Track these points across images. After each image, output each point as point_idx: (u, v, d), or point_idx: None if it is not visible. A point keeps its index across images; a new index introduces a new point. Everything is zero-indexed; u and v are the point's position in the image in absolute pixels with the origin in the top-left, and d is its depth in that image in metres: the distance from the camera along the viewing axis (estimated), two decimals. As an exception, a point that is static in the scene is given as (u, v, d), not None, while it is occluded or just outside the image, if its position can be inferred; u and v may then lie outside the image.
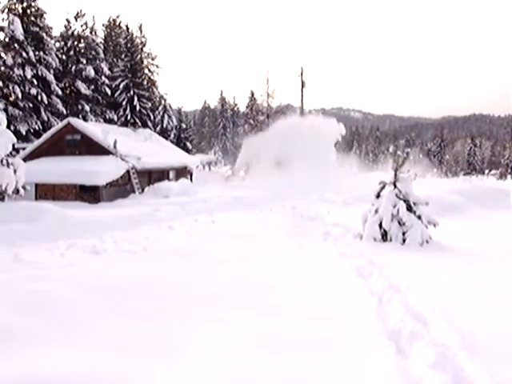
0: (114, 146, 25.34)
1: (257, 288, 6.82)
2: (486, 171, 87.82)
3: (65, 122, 27.23)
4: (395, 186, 11.63)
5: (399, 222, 11.21)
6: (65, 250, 9.37)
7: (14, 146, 16.11)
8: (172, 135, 49.13)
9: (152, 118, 46.45)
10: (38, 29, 37.12)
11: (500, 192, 22.67)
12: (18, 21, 34.44)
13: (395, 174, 11.71)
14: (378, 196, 11.88)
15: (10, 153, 15.02)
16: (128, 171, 25.46)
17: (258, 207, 18.76)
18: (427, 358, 4.05)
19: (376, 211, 11.65)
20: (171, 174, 31.24)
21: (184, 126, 52.85)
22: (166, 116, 48.82)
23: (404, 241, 10.97)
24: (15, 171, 14.48)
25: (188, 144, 50.39)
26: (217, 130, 73.25)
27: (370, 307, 5.83)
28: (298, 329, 5.12)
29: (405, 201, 11.36)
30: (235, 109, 76.80)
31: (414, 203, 11.39)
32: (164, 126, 48.42)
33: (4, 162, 14.41)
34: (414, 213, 11.31)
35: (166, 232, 12.63)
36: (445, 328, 4.79)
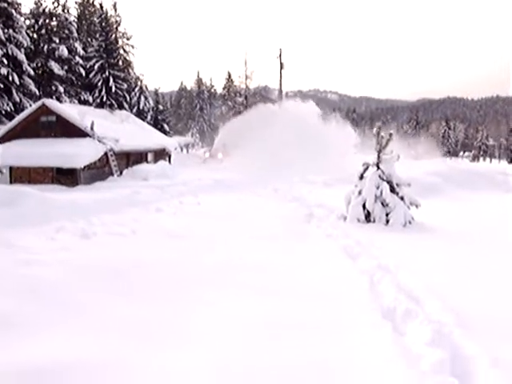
0: (92, 128, 24.78)
1: (248, 270, 6.85)
2: (460, 153, 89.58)
3: (39, 103, 26.41)
4: (378, 168, 11.76)
5: (382, 203, 11.37)
6: (54, 234, 9.23)
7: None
8: (149, 117, 48.33)
9: (128, 99, 45.50)
10: (5, 4, 35.56)
11: (475, 174, 23.25)
12: (-16, -4, 33.07)
13: (378, 156, 11.82)
14: (361, 177, 12.00)
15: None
16: (106, 153, 24.98)
17: (240, 189, 18.77)
18: (424, 336, 4.16)
19: (359, 192, 11.77)
20: (149, 157, 30.84)
21: (161, 107, 52.06)
22: (142, 97, 47.93)
23: (387, 222, 11.15)
24: (-9, 154, 14.06)
25: (165, 126, 49.68)
26: (194, 111, 72.32)
27: (362, 287, 5.94)
28: (295, 309, 5.19)
29: (388, 182, 11.50)
30: (212, 90, 75.95)
31: (397, 184, 11.55)
32: (141, 107, 47.56)
33: (-21, 144, 13.96)
34: (397, 194, 11.47)
35: (153, 214, 12.61)
36: (438, 306, 4.91)
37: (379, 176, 11.56)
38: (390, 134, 11.75)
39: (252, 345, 4.33)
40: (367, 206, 11.37)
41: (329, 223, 11.24)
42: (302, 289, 5.98)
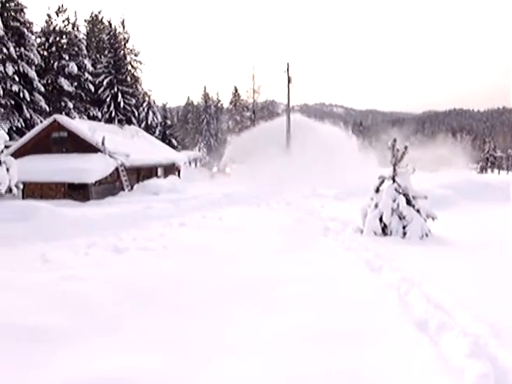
0: (103, 143, 25.00)
1: (274, 283, 6.89)
2: (469, 165, 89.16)
3: (51, 119, 26.72)
4: (394, 181, 11.78)
5: (399, 216, 11.37)
6: (87, 249, 9.33)
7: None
8: (157, 132, 48.67)
9: (136, 114, 45.94)
10: (18, 24, 36.30)
11: (485, 185, 23.15)
12: (-3, 16, 33.67)
13: (394, 169, 11.85)
14: (377, 190, 12.01)
15: (1, 151, 14.73)
16: (117, 168, 25.18)
17: (252, 203, 18.82)
18: (462, 348, 4.15)
19: (376, 206, 11.78)
20: (159, 171, 31.02)
21: (169, 122, 52.44)
22: (150, 112, 48.32)
23: (404, 234, 11.14)
24: (8, 169, 14.22)
25: (173, 141, 49.95)
26: (200, 126, 72.79)
27: (391, 299, 5.94)
28: (329, 322, 5.20)
29: (404, 195, 11.52)
30: (219, 105, 76.49)
31: (413, 197, 11.56)
32: (149, 122, 47.93)
33: (-4, 160, 14.15)
34: (413, 206, 11.48)
35: (177, 229, 12.83)
36: (470, 318, 4.91)
37: (395, 189, 11.58)
38: (406, 147, 11.79)
39: (291, 356, 4.35)
40: (384, 219, 11.37)
41: (345, 236, 11.24)
42: (331, 301, 5.99)
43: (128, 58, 48.24)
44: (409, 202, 11.46)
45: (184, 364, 4.31)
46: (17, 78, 34.94)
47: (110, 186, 24.98)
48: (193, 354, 4.52)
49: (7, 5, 36.04)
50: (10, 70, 34.12)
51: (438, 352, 4.27)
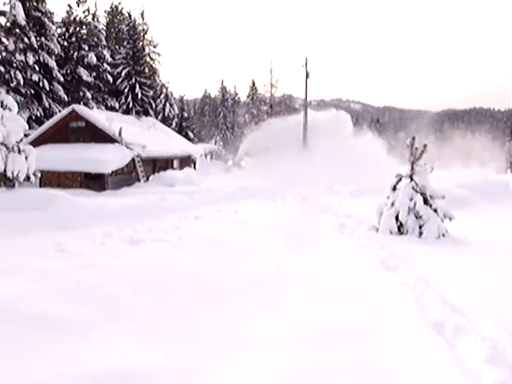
0: (119, 134, 25.16)
1: (288, 278, 6.89)
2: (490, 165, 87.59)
3: (69, 108, 26.96)
4: (412, 179, 11.64)
5: (416, 215, 11.23)
6: (103, 239, 9.41)
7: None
8: (174, 124, 48.82)
9: (154, 106, 46.05)
10: (39, 14, 36.60)
11: (505, 185, 22.73)
12: (19, 5, 33.89)
13: (412, 167, 11.70)
14: (394, 189, 11.88)
15: (21, 139, 14.88)
16: (133, 159, 25.33)
17: (268, 198, 18.80)
18: (480, 353, 4.07)
19: (392, 204, 11.66)
20: (175, 163, 31.12)
21: (186, 114, 52.56)
22: (167, 104, 48.46)
23: (421, 234, 11.01)
24: (26, 158, 14.36)
25: (190, 133, 50.10)
26: (217, 119, 72.85)
27: (406, 299, 5.87)
28: (344, 319, 5.18)
29: (421, 194, 11.37)
30: (236, 98, 76.41)
31: (431, 196, 11.41)
32: (166, 114, 48.08)
33: (15, 148, 14.27)
34: (431, 206, 11.33)
35: (192, 222, 12.86)
36: (487, 321, 4.82)
37: (413, 188, 11.44)
38: (425, 146, 11.63)
39: (313, 353, 4.33)
40: (400, 217, 11.25)
41: (361, 234, 11.15)
42: (345, 298, 5.96)
43: (147, 50, 48.41)
44: (426, 202, 11.31)
45: (195, 355, 4.33)
46: (37, 68, 35.28)
47: (126, 176, 25.14)
48: (204, 346, 4.53)
49: (29, -6, 36.36)
50: (31, 59, 34.47)
51: (454, 355, 4.20)
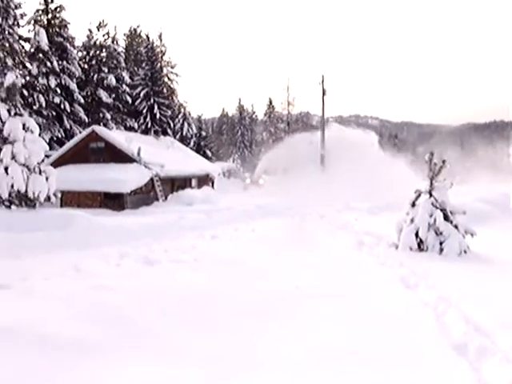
0: (138, 154, 25.48)
1: (308, 299, 6.78)
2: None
3: (89, 129, 27.49)
4: (431, 195, 11.46)
5: (436, 232, 11.02)
6: (119, 260, 9.45)
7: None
8: (192, 143, 49.27)
9: (172, 125, 46.67)
10: (62, 39, 37.71)
11: (528, 200, 22.17)
12: (43, 32, 35.00)
13: (431, 183, 11.53)
14: (413, 205, 11.71)
15: (42, 160, 15.17)
16: (152, 179, 25.57)
17: (285, 215, 18.73)
18: (505, 376, 3.92)
19: (412, 220, 11.47)
20: (193, 182, 31.31)
21: (204, 133, 53.04)
22: (185, 124, 48.99)
23: (441, 251, 10.77)
24: (47, 178, 14.62)
25: (208, 152, 50.49)
26: (235, 137, 73.38)
27: (426, 319, 5.72)
28: (360, 342, 5.05)
29: (441, 210, 11.18)
30: (253, 116, 76.94)
31: (451, 212, 11.20)
32: (184, 133, 48.59)
33: (37, 169, 14.55)
34: (451, 222, 11.12)
35: (209, 241, 12.85)
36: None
37: (432, 204, 11.25)
38: (443, 161, 11.46)
39: (317, 376, 4.22)
40: (420, 234, 11.05)
41: (380, 251, 10.98)
42: (363, 319, 5.82)
43: (165, 71, 49.22)
44: (446, 218, 11.10)
45: (212, 376, 4.25)
46: (59, 91, 36.20)
47: (145, 195, 25.36)
48: (220, 368, 4.46)
49: (52, 22, 37.57)
50: (53, 82, 35.40)
51: (478, 379, 4.04)
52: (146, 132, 42.61)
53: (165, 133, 43.89)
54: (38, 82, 34.65)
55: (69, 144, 28.00)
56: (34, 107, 35.09)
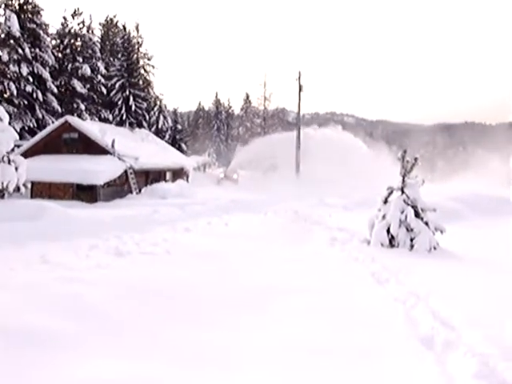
0: (112, 146, 25.10)
1: (281, 293, 6.81)
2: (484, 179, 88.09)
3: (62, 120, 26.90)
4: (403, 192, 11.63)
5: (407, 228, 11.21)
6: (88, 251, 9.27)
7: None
8: (167, 136, 48.79)
9: (147, 118, 46.15)
10: (34, 26, 36.71)
11: (497, 199, 22.79)
12: (14, 17, 34.02)
13: (403, 180, 11.71)
14: (385, 201, 11.87)
15: (12, 150, 14.79)
16: (126, 171, 25.23)
17: (259, 210, 18.74)
18: (470, 369, 4.00)
19: (383, 217, 11.63)
20: (168, 175, 31.05)
21: (179, 127, 52.60)
22: (161, 117, 48.49)
23: (412, 247, 10.97)
24: (16, 168, 14.26)
25: (183, 145, 50.08)
26: (211, 131, 73.05)
27: (396, 314, 5.81)
28: (335, 335, 5.10)
29: (413, 206, 11.36)
30: (230, 111, 76.71)
31: (422, 209, 11.39)
32: (159, 126, 48.09)
33: (5, 158, 14.18)
34: (422, 219, 11.31)
35: (182, 234, 12.69)
36: (478, 337, 4.75)
37: (404, 200, 11.43)
38: (416, 159, 11.65)
39: (304, 372, 4.26)
40: (391, 230, 11.21)
41: (352, 247, 11.10)
42: (336, 313, 5.88)
43: (141, 62, 48.56)
44: (417, 214, 11.29)
45: (183, 372, 4.21)
46: (31, 79, 35.29)
47: (119, 188, 25.02)
48: (191, 362, 4.42)
49: (24, 7, 36.50)
50: (25, 70, 34.48)
51: (443, 371, 4.13)
52: (120, 124, 42.01)
53: (140, 125, 43.37)
54: (8, 69, 33.69)
55: (41, 134, 27.33)
56: (5, 95, 34.15)
